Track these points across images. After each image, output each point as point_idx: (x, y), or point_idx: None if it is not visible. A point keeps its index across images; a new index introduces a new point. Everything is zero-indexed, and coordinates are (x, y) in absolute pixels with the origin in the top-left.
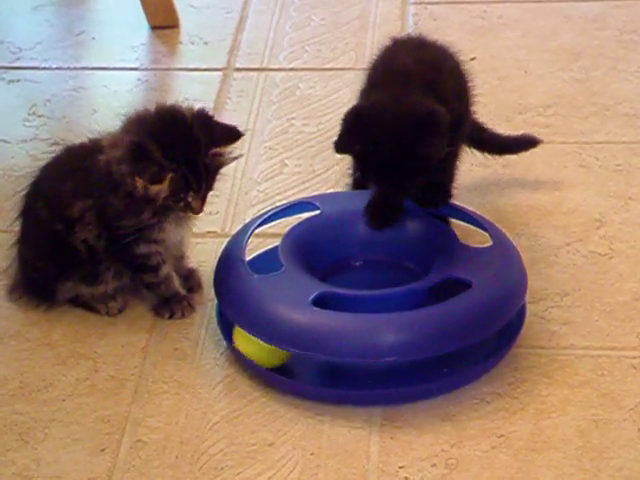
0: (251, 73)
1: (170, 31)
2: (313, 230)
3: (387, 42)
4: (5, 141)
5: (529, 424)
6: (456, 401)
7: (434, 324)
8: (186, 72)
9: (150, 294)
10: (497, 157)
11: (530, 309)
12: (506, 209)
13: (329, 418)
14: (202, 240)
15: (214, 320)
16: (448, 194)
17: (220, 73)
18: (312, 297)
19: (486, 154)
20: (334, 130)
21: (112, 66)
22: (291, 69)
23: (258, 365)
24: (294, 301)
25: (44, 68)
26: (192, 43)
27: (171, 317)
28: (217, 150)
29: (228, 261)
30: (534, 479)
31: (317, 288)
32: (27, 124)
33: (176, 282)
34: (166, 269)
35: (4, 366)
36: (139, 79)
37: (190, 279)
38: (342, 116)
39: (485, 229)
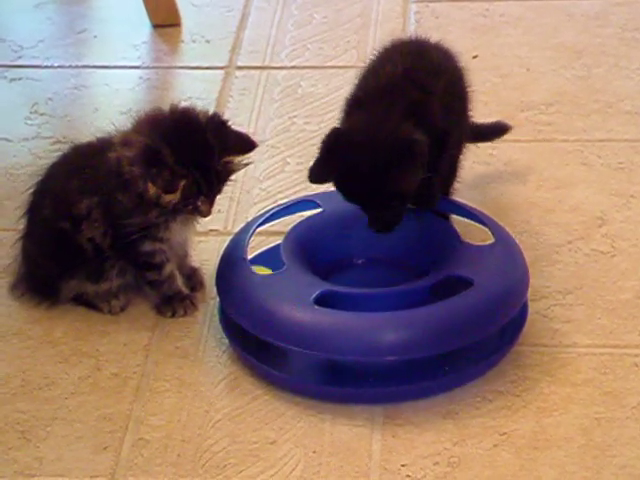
0: (253, 71)
1: (172, 29)
2: (315, 228)
3: (383, 45)
4: (7, 139)
5: (531, 422)
6: (458, 399)
7: (436, 322)
8: (188, 70)
9: (153, 292)
10: (497, 156)
11: (532, 307)
12: (508, 207)
13: (331, 416)
14: (204, 238)
15: (216, 318)
16: (434, 198)
17: (222, 71)
18: (314, 295)
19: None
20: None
21: (114, 64)
22: (293, 67)
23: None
24: (296, 299)
25: (46, 66)
26: (194, 41)
27: (173, 315)
28: (229, 158)
29: (230, 260)
30: (536, 477)
31: (319, 286)
32: (29, 122)
33: (179, 281)
34: (169, 267)
35: (6, 364)
36: (141, 77)
37: (193, 278)
38: (321, 141)
39: (487, 226)
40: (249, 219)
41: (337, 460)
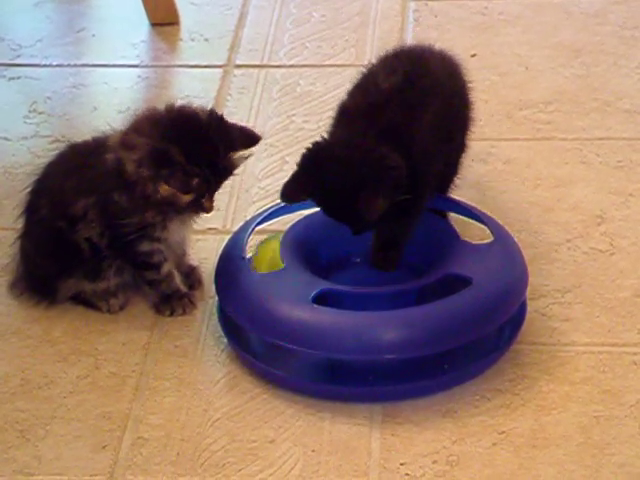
0: (251, 70)
1: (170, 28)
2: (314, 227)
3: (384, 53)
4: (6, 138)
5: (530, 420)
6: (457, 397)
7: (435, 321)
8: (186, 69)
9: (151, 291)
10: (496, 154)
11: (531, 305)
12: (506, 205)
13: (330, 415)
14: (203, 237)
15: (215, 317)
16: (396, 258)
17: (220, 70)
18: (313, 294)
19: None
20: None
21: (112, 63)
22: (291, 66)
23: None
24: (295, 298)
25: (44, 65)
26: (192, 40)
27: (172, 314)
28: (233, 153)
29: (229, 258)
30: (535, 476)
31: (318, 285)
32: (28, 121)
33: (177, 279)
34: (168, 267)
35: (5, 363)
36: (139, 76)
37: (191, 276)
38: (300, 156)
39: (486, 225)
40: (248, 218)
41: (336, 459)
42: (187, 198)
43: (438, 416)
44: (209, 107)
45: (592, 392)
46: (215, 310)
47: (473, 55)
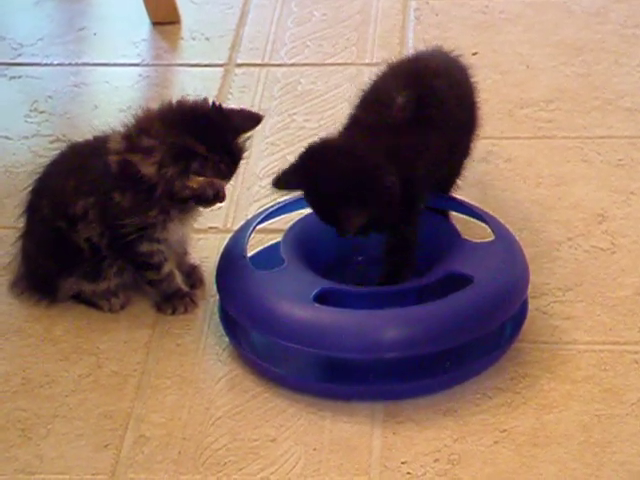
0: (252, 68)
1: (171, 27)
2: (315, 226)
3: (396, 61)
4: (7, 137)
5: (531, 419)
6: (458, 396)
7: (436, 319)
8: (187, 68)
9: (152, 291)
10: (497, 153)
11: (532, 304)
12: (508, 204)
13: (331, 413)
14: (204, 236)
15: (216, 316)
16: (403, 273)
17: (221, 69)
18: (314, 293)
19: None
20: (335, 125)
21: (113, 62)
22: (292, 64)
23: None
24: (296, 297)
25: (45, 64)
26: (193, 39)
27: (173, 313)
28: (241, 136)
29: (230, 257)
30: (536, 474)
31: (319, 284)
32: (29, 120)
33: (178, 279)
34: (168, 266)
35: (7, 362)
36: (140, 75)
37: (192, 275)
38: (299, 154)
39: (487, 223)
40: (249, 217)
41: (337, 457)
42: (225, 184)
43: (439, 415)
44: (202, 97)
45: (593, 391)
46: (216, 309)
47: (474, 54)
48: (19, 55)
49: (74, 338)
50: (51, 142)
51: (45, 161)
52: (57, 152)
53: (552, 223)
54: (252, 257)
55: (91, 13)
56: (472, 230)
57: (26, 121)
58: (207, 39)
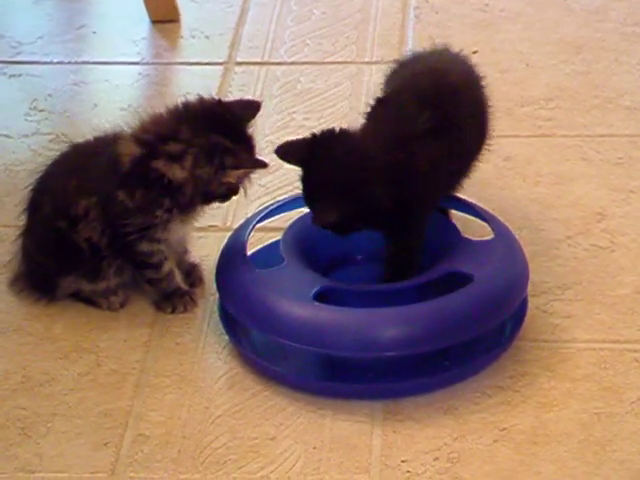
0: (252, 67)
1: (171, 25)
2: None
3: (410, 69)
4: (7, 136)
5: (531, 417)
6: (458, 394)
7: (436, 318)
8: (187, 66)
9: (152, 289)
10: (497, 151)
11: (532, 302)
12: (507, 202)
13: (331, 412)
14: (204, 234)
15: (216, 314)
16: (407, 270)
17: (221, 67)
18: (314, 291)
19: None
20: (335, 124)
21: (113, 60)
22: (292, 63)
23: None
24: (296, 295)
25: (45, 62)
26: (193, 37)
27: (173, 311)
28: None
29: (230, 255)
30: (536, 472)
31: (319, 282)
32: (28, 119)
33: (178, 277)
34: (168, 265)
35: (6, 360)
36: (140, 73)
37: (192, 274)
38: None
39: (487, 222)
40: (249, 215)
41: (337, 456)
42: (247, 176)
43: (439, 413)
44: (199, 94)
45: (593, 389)
46: (216, 307)
47: (474, 52)
48: (19, 53)
49: (73, 336)
50: (51, 140)
51: (45, 160)
52: (58, 152)
53: (551, 221)
54: (252, 255)
55: (91, 11)
56: (472, 228)
57: (26, 119)
58: (207, 37)
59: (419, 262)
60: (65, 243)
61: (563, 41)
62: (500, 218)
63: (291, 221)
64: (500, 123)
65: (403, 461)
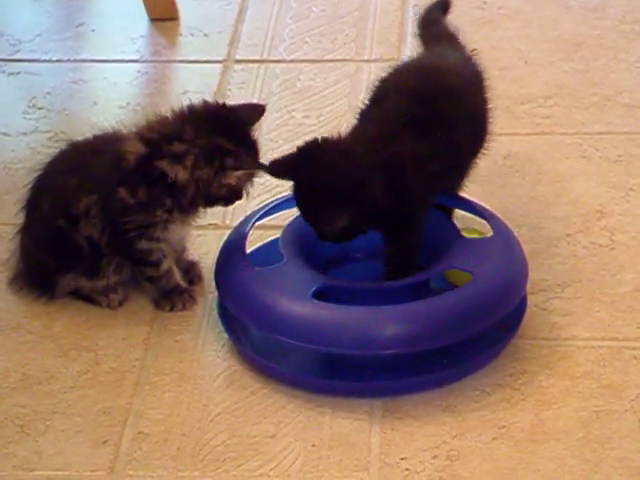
0: (251, 65)
1: (170, 23)
2: None
3: (402, 64)
4: (5, 134)
5: (530, 415)
6: (457, 392)
7: (435, 316)
8: (186, 64)
9: (151, 287)
10: (496, 149)
11: (531, 300)
12: (507, 200)
13: (330, 410)
14: (203, 232)
15: (215, 312)
16: (407, 268)
17: (220, 65)
18: (313, 289)
19: None
20: (334, 122)
21: (112, 58)
22: (291, 61)
23: None
24: (295, 293)
25: (44, 60)
26: (192, 35)
27: (172, 309)
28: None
29: (229, 253)
30: (535, 470)
31: (318, 280)
32: (27, 117)
33: (177, 275)
34: (167, 263)
35: (5, 358)
36: (139, 71)
37: (191, 271)
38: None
39: (486, 220)
40: (248, 213)
41: (336, 453)
42: (249, 178)
43: (438, 411)
44: (203, 98)
45: (592, 387)
46: (215, 305)
47: (473, 50)
48: (17, 51)
49: (73, 334)
50: (50, 138)
51: (44, 157)
52: (57, 150)
53: (551, 219)
54: (251, 253)
55: (89, 9)
56: (471, 226)
57: (24, 117)
58: (206, 35)
59: (418, 260)
60: (64, 241)
61: (561, 39)
62: (499, 216)
63: (290, 219)
64: (499, 121)
65: (402, 459)
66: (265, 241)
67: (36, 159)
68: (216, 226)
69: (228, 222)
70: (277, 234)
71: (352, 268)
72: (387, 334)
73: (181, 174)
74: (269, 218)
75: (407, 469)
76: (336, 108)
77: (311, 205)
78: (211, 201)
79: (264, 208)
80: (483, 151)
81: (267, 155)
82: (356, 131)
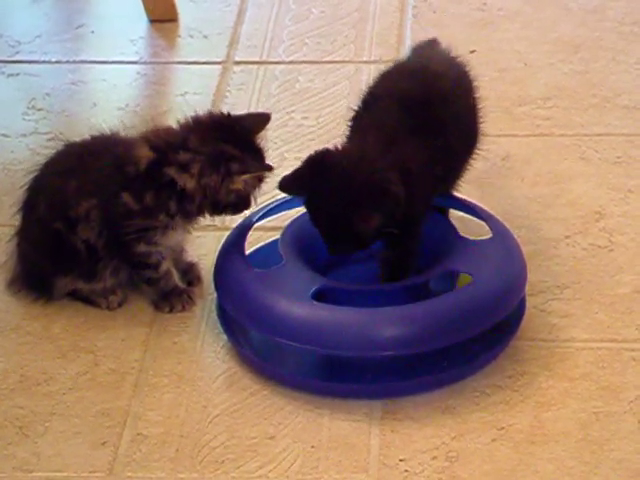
0: (250, 66)
1: (169, 24)
2: None
3: (397, 65)
4: (5, 135)
5: (529, 417)
6: (456, 394)
7: (434, 317)
8: (185, 65)
9: (150, 289)
10: (495, 150)
11: (530, 302)
12: (506, 202)
13: (329, 411)
14: (202, 234)
15: (214, 314)
16: (404, 271)
17: (219, 66)
18: (312, 291)
19: None
20: (333, 123)
21: (111, 59)
22: (290, 62)
23: None
24: (294, 295)
25: (43, 62)
26: (191, 36)
27: (171, 311)
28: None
29: (228, 255)
30: (534, 472)
31: (317, 282)
32: (26, 118)
33: (175, 276)
34: (166, 265)
35: (5, 359)
36: (138, 73)
37: (189, 273)
38: (305, 158)
39: (485, 221)
40: (247, 214)
41: (336, 455)
42: (256, 183)
43: (437, 412)
44: (208, 108)
45: (591, 388)
46: (214, 307)
47: (472, 51)
48: (17, 52)
49: (72, 336)
50: (49, 140)
51: (42, 159)
52: (53, 152)
53: (550, 221)
54: (250, 255)
55: (89, 11)
56: (470, 228)
57: (24, 119)
58: (205, 37)
59: (416, 262)
60: (61, 244)
61: (561, 40)
62: (498, 217)
63: (289, 220)
64: (498, 122)
65: (401, 460)
66: (264, 242)
67: (35, 160)
68: (215, 227)
69: (227, 223)
70: (276, 235)
71: (351, 270)
72: (386, 336)
73: (188, 183)
74: (268, 219)
75: (406, 470)
76: (335, 109)
77: (338, 213)
78: (219, 209)
79: (263, 209)
80: (477, 151)
81: (267, 156)
82: (355, 140)
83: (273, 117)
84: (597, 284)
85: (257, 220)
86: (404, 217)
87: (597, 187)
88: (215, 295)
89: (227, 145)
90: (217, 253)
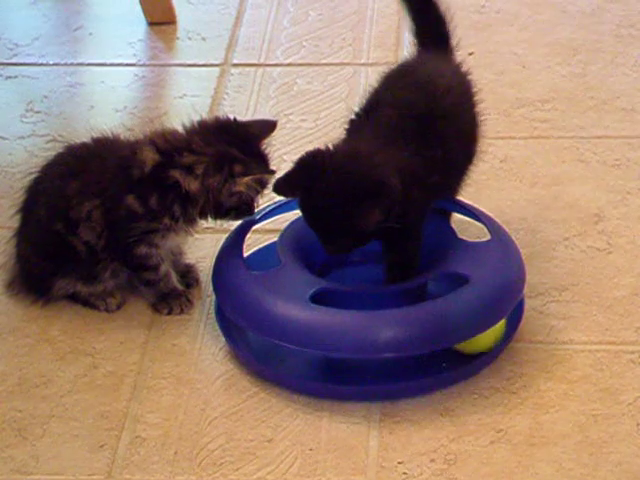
0: (248, 68)
1: (167, 27)
2: None
3: (399, 67)
4: (3, 137)
5: (528, 419)
6: (455, 396)
7: (432, 319)
8: (183, 68)
9: (149, 291)
10: (494, 152)
11: (528, 304)
12: (504, 204)
13: (328, 413)
14: (201, 236)
15: (212, 316)
16: (408, 272)
17: (217, 69)
18: (310, 293)
19: None
20: (331, 125)
21: (109, 62)
22: (288, 64)
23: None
24: (292, 297)
25: (41, 64)
26: (189, 39)
27: (170, 313)
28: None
29: (226, 257)
30: (533, 474)
31: (315, 284)
32: (25, 120)
33: (174, 278)
34: (165, 267)
35: (3, 362)
36: (136, 75)
37: (188, 275)
38: (298, 158)
39: (483, 223)
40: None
41: (334, 457)
42: (258, 187)
43: (436, 415)
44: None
45: (590, 390)
46: (213, 309)
47: (470, 54)
48: (15, 55)
49: (70, 338)
50: (47, 142)
51: (41, 161)
52: (53, 154)
53: (548, 223)
54: (249, 257)
55: (87, 13)
56: (468, 230)
57: (22, 121)
58: (203, 39)
59: (417, 265)
60: (61, 246)
61: (559, 43)
62: (496, 219)
63: (288, 223)
64: (496, 125)
65: (399, 462)
66: (263, 245)
67: (33, 163)
68: (214, 230)
69: (225, 226)
70: (275, 238)
71: (349, 272)
72: (384, 338)
73: (193, 184)
74: (266, 222)
75: (404, 473)
76: (333, 112)
77: (336, 210)
78: (221, 212)
79: (261, 212)
80: (478, 157)
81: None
82: (349, 141)
83: None
84: (596, 286)
85: (255, 222)
86: (403, 215)
87: (595, 189)
88: (214, 297)
89: (230, 147)
90: (215, 255)
